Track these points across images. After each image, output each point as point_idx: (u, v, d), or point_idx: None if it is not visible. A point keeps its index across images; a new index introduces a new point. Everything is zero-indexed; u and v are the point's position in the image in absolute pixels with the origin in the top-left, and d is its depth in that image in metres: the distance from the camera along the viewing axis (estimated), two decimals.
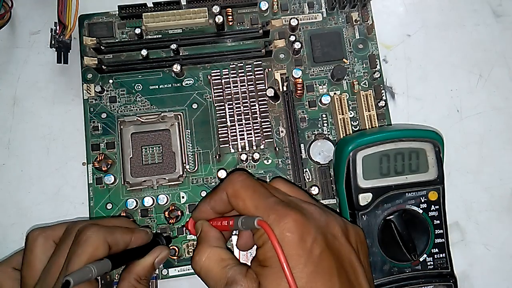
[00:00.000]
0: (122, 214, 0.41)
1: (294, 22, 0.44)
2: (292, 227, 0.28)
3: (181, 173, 0.42)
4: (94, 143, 0.43)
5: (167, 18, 0.44)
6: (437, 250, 0.37)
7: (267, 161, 0.43)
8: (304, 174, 0.43)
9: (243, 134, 0.43)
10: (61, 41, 0.42)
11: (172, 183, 0.42)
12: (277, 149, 0.43)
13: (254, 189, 0.31)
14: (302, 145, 0.43)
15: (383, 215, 0.37)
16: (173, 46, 0.43)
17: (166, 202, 0.42)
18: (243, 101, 0.43)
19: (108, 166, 0.42)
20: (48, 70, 0.45)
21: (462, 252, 0.43)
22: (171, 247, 0.41)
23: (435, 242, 0.37)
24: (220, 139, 0.43)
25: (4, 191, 0.43)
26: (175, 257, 0.41)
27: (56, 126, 0.44)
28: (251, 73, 0.44)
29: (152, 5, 0.44)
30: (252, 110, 0.43)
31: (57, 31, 0.42)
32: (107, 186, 0.42)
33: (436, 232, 0.38)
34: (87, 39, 0.43)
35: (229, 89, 0.43)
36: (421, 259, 0.37)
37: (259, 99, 0.43)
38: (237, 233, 0.37)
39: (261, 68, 0.44)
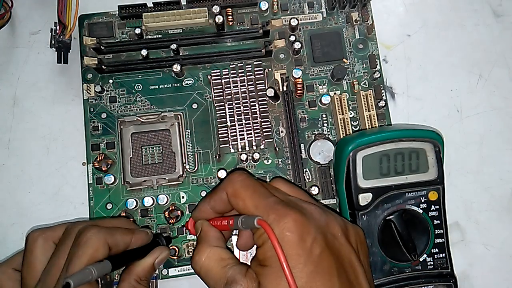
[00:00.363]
0: (122, 214, 0.41)
1: (294, 22, 0.44)
2: (292, 227, 0.28)
3: (181, 173, 0.42)
4: (94, 143, 0.43)
5: (167, 18, 0.44)
6: (437, 250, 0.37)
7: (267, 161, 0.43)
8: (304, 174, 0.43)
9: (243, 134, 0.43)
10: (61, 41, 0.42)
11: (172, 183, 0.42)
12: (277, 149, 0.43)
13: (254, 188, 0.31)
14: (302, 145, 0.43)
15: (383, 215, 0.37)
16: (173, 46, 0.43)
17: (166, 202, 0.42)
18: (243, 101, 0.43)
19: (108, 166, 0.42)
20: (48, 70, 0.45)
21: (462, 252, 0.43)
22: (171, 247, 0.41)
23: (435, 242, 0.37)
24: (220, 139, 0.43)
25: (4, 191, 0.43)
26: (175, 257, 0.41)
27: (56, 126, 0.44)
28: (251, 73, 0.44)
29: (152, 5, 0.44)
30: (252, 110, 0.43)
31: (57, 31, 0.42)
32: (107, 186, 0.42)
33: (436, 232, 0.38)
34: (87, 39, 0.43)
35: (229, 89, 0.43)
36: (421, 259, 0.37)
37: (259, 99, 0.43)
38: (237, 233, 0.37)
39: (261, 68, 0.44)
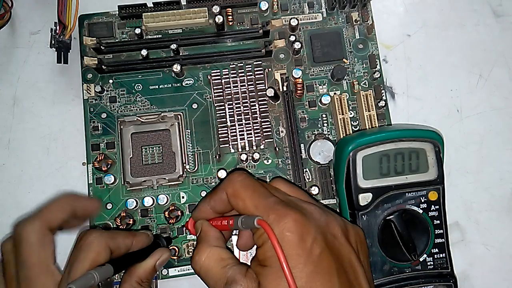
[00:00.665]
0: (122, 214, 0.41)
1: (294, 22, 0.44)
2: (292, 227, 0.28)
3: (181, 173, 0.42)
4: (94, 143, 0.43)
5: (167, 18, 0.44)
6: (437, 250, 0.37)
7: (267, 161, 0.43)
8: (304, 174, 0.43)
9: (243, 134, 0.43)
10: (61, 41, 0.42)
11: (172, 183, 0.42)
12: (277, 149, 0.43)
13: (253, 188, 0.31)
14: (302, 145, 0.43)
15: (383, 215, 0.37)
16: (173, 46, 0.43)
17: (166, 202, 0.42)
18: (243, 101, 0.43)
19: (108, 166, 0.42)
20: (48, 70, 0.45)
21: (462, 252, 0.43)
22: (171, 247, 0.41)
23: (435, 242, 0.37)
24: (220, 139, 0.43)
25: (4, 191, 0.43)
26: (175, 257, 0.41)
27: (56, 126, 0.44)
28: (251, 73, 0.44)
29: (152, 5, 0.44)
30: (252, 110, 0.43)
31: (57, 31, 0.42)
32: (107, 186, 0.42)
33: (436, 232, 0.38)
34: (87, 39, 0.43)
35: (229, 89, 0.43)
36: (421, 259, 0.37)
37: (259, 99, 0.43)
38: (237, 233, 0.37)
39: (261, 68, 0.44)
